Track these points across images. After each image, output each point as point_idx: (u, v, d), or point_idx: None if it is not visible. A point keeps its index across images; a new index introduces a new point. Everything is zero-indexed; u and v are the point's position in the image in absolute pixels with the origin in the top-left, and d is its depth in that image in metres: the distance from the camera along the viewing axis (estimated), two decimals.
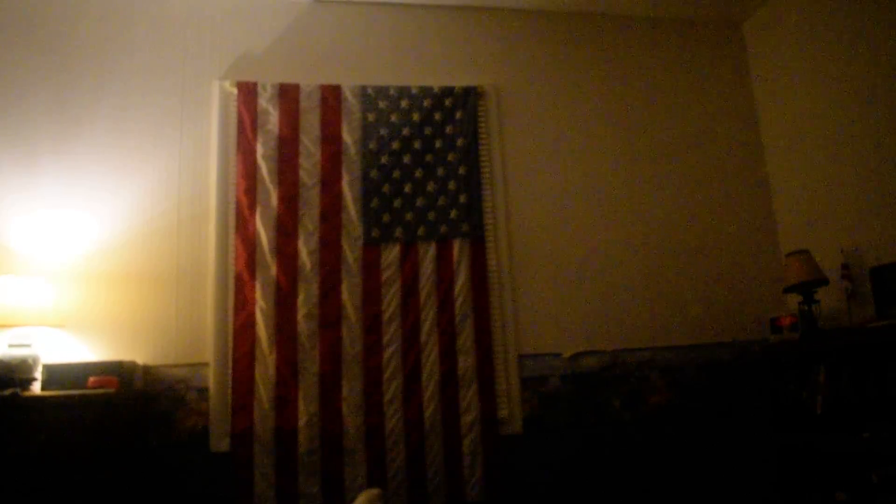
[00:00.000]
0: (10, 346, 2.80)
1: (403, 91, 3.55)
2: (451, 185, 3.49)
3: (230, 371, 3.13)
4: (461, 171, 3.51)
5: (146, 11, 3.47)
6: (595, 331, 3.52)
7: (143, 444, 2.99)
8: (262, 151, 3.34)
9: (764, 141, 3.94)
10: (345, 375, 3.18)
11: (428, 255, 3.39)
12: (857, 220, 3.23)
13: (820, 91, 3.48)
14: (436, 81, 3.62)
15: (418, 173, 3.48)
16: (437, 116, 3.55)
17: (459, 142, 3.55)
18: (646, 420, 3.44)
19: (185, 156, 3.34)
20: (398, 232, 3.39)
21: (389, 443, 3.14)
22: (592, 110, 3.82)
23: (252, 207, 3.27)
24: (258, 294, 3.18)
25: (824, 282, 3.17)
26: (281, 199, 3.30)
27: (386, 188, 3.43)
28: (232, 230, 3.28)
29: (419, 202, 3.45)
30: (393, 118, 3.50)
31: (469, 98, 3.61)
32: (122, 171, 3.27)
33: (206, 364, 3.14)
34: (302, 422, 3.08)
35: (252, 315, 3.16)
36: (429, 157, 3.51)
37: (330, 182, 3.37)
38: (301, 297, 3.22)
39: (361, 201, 3.38)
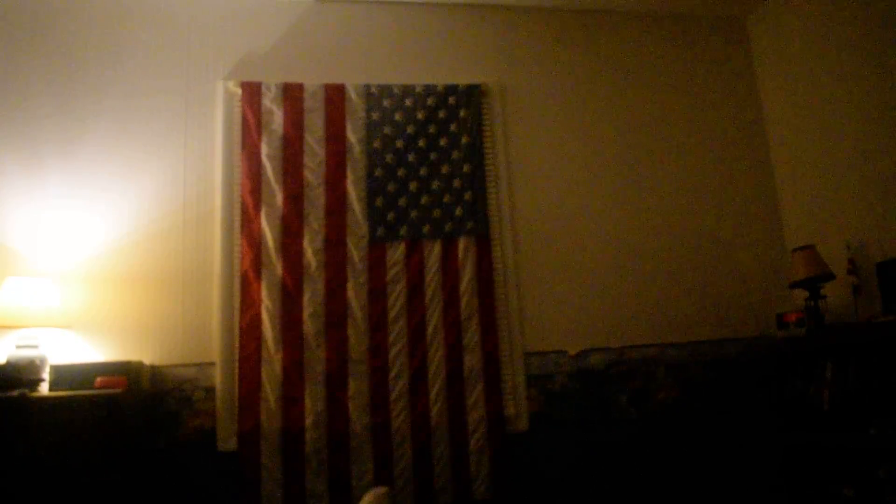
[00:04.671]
0: (18, 346, 2.81)
1: (407, 89, 3.55)
2: (456, 183, 3.49)
3: (237, 370, 3.14)
4: (466, 169, 3.51)
5: (150, 13, 3.48)
6: (601, 328, 3.52)
7: (150, 443, 3.00)
8: (267, 151, 3.34)
9: (769, 135, 3.93)
10: (351, 374, 3.19)
11: (433, 254, 3.39)
12: (863, 215, 3.22)
13: (825, 85, 3.47)
14: (440, 79, 3.62)
15: (423, 171, 3.48)
16: (442, 114, 3.55)
17: (464, 140, 3.55)
18: (652, 416, 3.44)
19: (189, 156, 3.35)
20: (403, 230, 3.39)
21: (396, 441, 3.14)
22: (597, 107, 3.81)
23: (257, 207, 3.28)
24: (264, 293, 3.19)
25: (830, 277, 3.17)
26: (286, 198, 3.30)
27: (391, 187, 3.43)
28: (237, 230, 3.29)
29: (424, 200, 3.45)
30: (397, 117, 3.50)
31: (473, 96, 3.60)
32: (127, 172, 3.28)
33: (212, 364, 3.15)
34: (308, 421, 3.09)
35: (258, 314, 3.17)
36: (433, 156, 3.51)
37: (334, 181, 3.38)
38: (307, 297, 3.22)
39: (366, 200, 3.39)
